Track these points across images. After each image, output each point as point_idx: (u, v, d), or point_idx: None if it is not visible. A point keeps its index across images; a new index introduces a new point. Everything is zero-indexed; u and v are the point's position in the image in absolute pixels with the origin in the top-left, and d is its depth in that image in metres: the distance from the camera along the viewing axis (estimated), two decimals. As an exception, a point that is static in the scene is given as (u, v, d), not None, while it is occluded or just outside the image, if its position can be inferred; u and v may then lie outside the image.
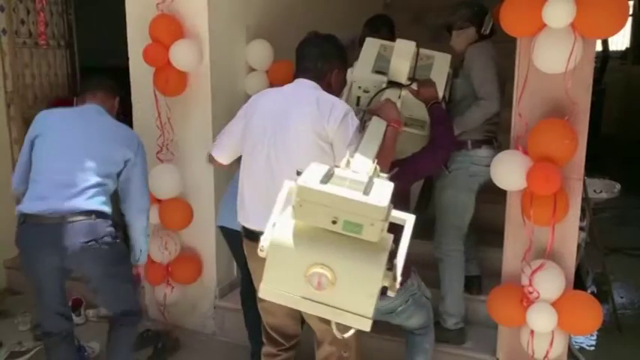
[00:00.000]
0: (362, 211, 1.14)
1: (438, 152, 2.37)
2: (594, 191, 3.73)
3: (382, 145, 2.01)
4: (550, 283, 2.34)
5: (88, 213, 2.34)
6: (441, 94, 2.55)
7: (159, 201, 3.15)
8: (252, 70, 3.42)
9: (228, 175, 3.17)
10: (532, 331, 2.37)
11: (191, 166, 3.25)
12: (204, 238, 3.33)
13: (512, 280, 2.51)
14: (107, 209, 2.41)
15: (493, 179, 2.42)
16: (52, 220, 2.31)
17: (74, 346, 2.73)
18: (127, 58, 3.31)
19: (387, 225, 1.18)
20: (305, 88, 2.18)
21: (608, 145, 6.60)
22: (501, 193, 2.55)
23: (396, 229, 1.27)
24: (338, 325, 1.28)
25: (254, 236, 2.14)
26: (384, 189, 1.22)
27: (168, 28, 2.97)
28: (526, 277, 2.36)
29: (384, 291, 1.22)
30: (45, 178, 2.39)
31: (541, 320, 2.32)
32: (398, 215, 1.26)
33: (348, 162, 1.47)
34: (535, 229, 2.37)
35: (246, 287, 2.78)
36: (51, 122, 2.49)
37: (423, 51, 2.67)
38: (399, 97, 2.46)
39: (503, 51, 2.77)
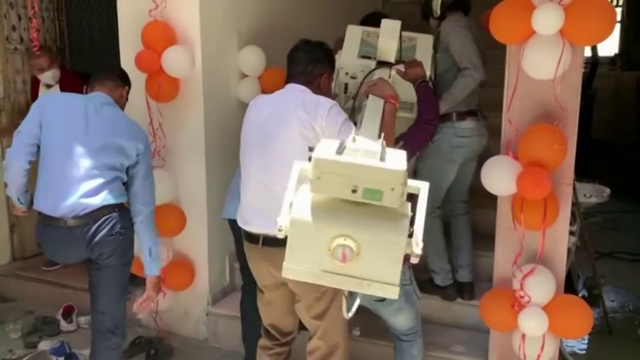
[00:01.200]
0: (381, 176, 1.12)
1: (426, 128, 2.42)
2: (584, 196, 3.76)
3: (382, 121, 2.03)
4: (541, 287, 2.36)
5: (111, 208, 2.35)
6: (428, 71, 2.61)
7: (151, 207, 3.14)
8: (244, 76, 3.43)
9: (220, 181, 3.18)
10: (523, 335, 2.38)
11: (183, 172, 3.25)
12: (196, 244, 3.33)
13: (503, 285, 2.52)
14: (122, 200, 2.42)
15: (484, 184, 2.44)
16: (71, 222, 2.30)
17: None
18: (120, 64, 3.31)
19: (406, 190, 1.16)
20: (293, 94, 2.23)
21: (598, 149, 6.66)
22: (492, 199, 2.57)
23: (409, 199, 1.25)
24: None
25: (254, 239, 2.22)
26: (399, 155, 1.20)
27: (161, 35, 2.97)
28: (517, 282, 2.37)
29: (407, 259, 1.20)
30: (56, 175, 2.32)
31: (532, 324, 2.33)
32: (412, 184, 1.25)
33: (354, 139, 1.39)
34: (526, 234, 2.39)
35: (249, 299, 2.71)
36: (57, 112, 2.38)
37: (406, 33, 2.74)
38: (389, 76, 2.51)
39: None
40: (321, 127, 2.10)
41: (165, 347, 3.26)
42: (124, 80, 2.63)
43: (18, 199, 2.42)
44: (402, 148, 2.10)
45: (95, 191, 2.31)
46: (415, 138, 2.37)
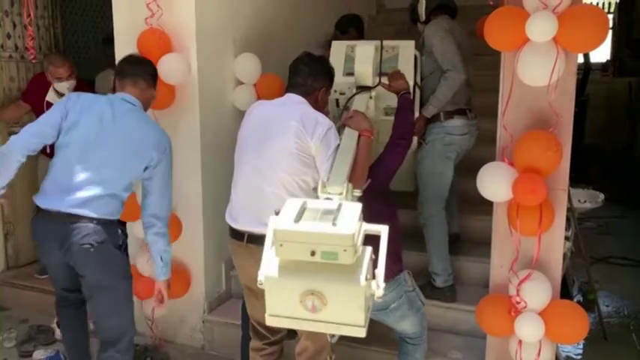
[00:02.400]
0: (333, 241, 1.30)
1: (400, 144, 2.51)
2: (579, 201, 3.78)
3: (357, 154, 2.20)
4: (537, 292, 2.37)
5: (92, 218, 2.33)
6: (411, 80, 2.73)
7: (147, 214, 3.13)
8: (239, 83, 3.43)
9: (216, 189, 3.18)
10: (520, 341, 2.39)
11: (179, 179, 3.24)
12: (192, 251, 3.32)
13: (500, 291, 2.53)
14: (116, 217, 2.41)
15: (479, 191, 2.45)
16: (60, 218, 2.30)
17: (85, 316, 2.73)
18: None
19: (360, 246, 1.34)
20: (293, 104, 2.34)
21: (591, 155, 6.70)
22: (488, 205, 2.58)
23: (376, 237, 1.43)
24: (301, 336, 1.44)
25: (240, 236, 2.33)
26: (351, 213, 1.37)
27: (157, 42, 2.98)
28: (514, 287, 2.38)
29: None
30: (63, 179, 2.34)
31: (529, 330, 2.34)
32: (372, 228, 1.43)
33: (324, 185, 1.72)
34: (522, 240, 2.39)
35: None
36: (78, 114, 2.38)
37: (387, 42, 2.89)
38: (371, 97, 2.63)
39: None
40: (316, 145, 2.21)
41: (161, 355, 3.25)
42: (155, 78, 2.63)
43: None
44: (378, 173, 2.35)
45: (82, 202, 2.31)
46: (391, 156, 2.48)
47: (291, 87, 2.40)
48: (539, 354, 2.37)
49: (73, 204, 2.30)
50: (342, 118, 2.49)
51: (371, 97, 2.64)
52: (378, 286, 1.36)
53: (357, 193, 1.72)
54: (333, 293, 1.35)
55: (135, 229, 3.12)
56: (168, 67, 2.97)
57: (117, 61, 3.24)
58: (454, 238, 3.35)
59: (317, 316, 1.36)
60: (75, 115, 2.38)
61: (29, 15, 2.84)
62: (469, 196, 3.13)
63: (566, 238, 3.09)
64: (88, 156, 2.35)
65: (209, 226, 3.27)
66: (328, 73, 2.44)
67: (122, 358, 2.52)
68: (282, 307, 1.40)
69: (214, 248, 3.35)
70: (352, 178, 2.07)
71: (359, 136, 2.28)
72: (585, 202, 3.93)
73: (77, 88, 3.70)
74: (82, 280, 2.44)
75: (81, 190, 2.31)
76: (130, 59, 2.62)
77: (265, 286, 1.40)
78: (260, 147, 2.28)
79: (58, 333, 3.46)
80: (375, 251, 1.41)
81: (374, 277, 1.38)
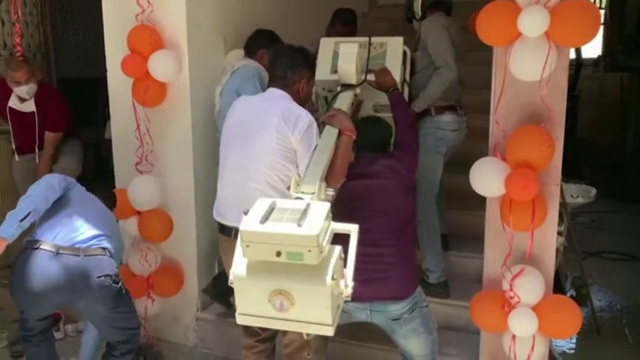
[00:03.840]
0: (298, 242, 1.32)
1: (412, 130, 2.55)
2: (571, 196, 3.79)
3: (337, 153, 2.20)
4: (530, 287, 2.36)
5: (103, 249, 2.44)
6: (398, 77, 2.73)
7: (138, 213, 3.12)
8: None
9: (208, 186, 3.16)
10: (514, 336, 2.39)
11: (171, 176, 3.23)
12: (185, 249, 3.31)
13: (493, 286, 2.53)
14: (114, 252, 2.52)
15: (472, 186, 2.45)
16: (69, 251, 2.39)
17: (53, 345, 2.74)
18: (105, 69, 3.29)
19: (326, 246, 1.35)
20: (275, 98, 2.35)
21: (583, 150, 6.73)
22: (481, 200, 2.58)
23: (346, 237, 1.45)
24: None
25: (228, 231, 2.36)
26: (318, 213, 1.38)
27: (147, 39, 2.95)
28: (507, 283, 2.38)
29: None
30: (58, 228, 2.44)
31: (522, 325, 2.34)
32: (341, 227, 1.46)
33: (298, 184, 1.74)
34: (515, 235, 2.39)
35: None
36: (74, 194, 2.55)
37: (376, 39, 2.89)
38: (356, 95, 2.63)
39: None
40: (296, 140, 2.23)
41: (154, 353, 3.24)
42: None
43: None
44: (408, 162, 2.41)
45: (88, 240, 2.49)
46: (412, 141, 2.51)
47: (271, 81, 2.42)
48: (532, 349, 2.37)
49: None
50: (321, 117, 2.47)
51: (356, 95, 2.65)
52: (347, 285, 1.38)
53: (330, 192, 1.75)
54: (300, 293, 1.37)
55: (127, 227, 3.10)
56: (159, 64, 2.95)
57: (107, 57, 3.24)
58: (442, 239, 3.30)
59: (285, 315, 1.39)
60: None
61: (16, 12, 2.81)
62: (461, 192, 3.13)
63: (559, 233, 3.11)
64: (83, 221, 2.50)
65: (201, 223, 3.26)
66: (308, 64, 2.44)
67: (134, 349, 2.67)
68: (252, 306, 1.42)
69: (207, 246, 3.33)
70: (330, 176, 2.10)
71: (340, 135, 2.27)
72: (578, 197, 3.94)
73: (42, 94, 3.62)
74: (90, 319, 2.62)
75: None
76: None
77: (235, 286, 1.42)
78: (243, 143, 2.30)
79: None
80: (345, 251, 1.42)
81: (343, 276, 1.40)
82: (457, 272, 3.32)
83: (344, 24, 3.77)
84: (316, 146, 2.21)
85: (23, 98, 3.58)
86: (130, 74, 2.97)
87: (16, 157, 3.72)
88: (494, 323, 2.46)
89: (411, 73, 3.21)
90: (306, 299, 1.37)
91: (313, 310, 1.38)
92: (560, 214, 2.92)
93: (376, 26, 5.19)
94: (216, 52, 3.36)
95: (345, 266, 1.42)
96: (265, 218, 1.38)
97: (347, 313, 2.28)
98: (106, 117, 3.52)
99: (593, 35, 2.16)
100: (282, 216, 1.38)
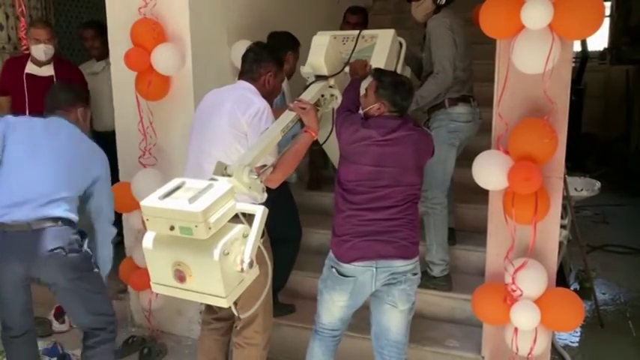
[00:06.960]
0: (186, 217, 1.41)
1: (339, 111, 2.49)
2: (575, 189, 3.78)
3: (293, 147, 2.34)
4: (533, 280, 2.37)
5: (54, 219, 2.31)
6: (382, 65, 2.69)
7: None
8: (236, 71, 3.40)
9: (212, 179, 3.17)
10: (516, 329, 2.40)
11: (174, 170, 3.22)
12: (188, 242, 3.31)
13: (495, 279, 2.53)
14: (74, 217, 2.39)
15: (475, 179, 2.45)
16: (16, 227, 2.27)
17: (36, 347, 2.68)
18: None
19: (215, 223, 1.43)
20: (237, 89, 2.48)
21: (588, 143, 6.70)
22: (484, 193, 2.58)
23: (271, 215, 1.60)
24: (237, 307, 1.60)
25: None
26: (215, 193, 1.47)
27: (150, 32, 2.95)
28: (509, 276, 2.38)
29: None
30: (10, 188, 2.33)
31: (524, 318, 2.34)
32: (246, 207, 1.59)
33: (226, 167, 1.92)
34: (517, 228, 2.40)
35: None
36: (18, 135, 2.40)
37: (367, 32, 2.92)
38: (331, 86, 2.69)
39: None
40: (247, 123, 2.32)
41: (158, 346, 3.25)
42: (78, 100, 2.65)
43: None
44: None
45: (44, 204, 2.37)
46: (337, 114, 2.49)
47: (240, 74, 2.53)
48: (534, 342, 2.37)
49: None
50: (292, 104, 2.51)
51: (331, 86, 2.69)
52: (243, 261, 1.49)
53: (254, 176, 1.95)
54: (194, 265, 1.47)
55: (131, 220, 3.12)
56: (162, 58, 2.95)
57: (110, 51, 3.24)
58: (450, 233, 3.28)
59: (185, 285, 1.49)
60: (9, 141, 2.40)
61: (21, 6, 2.82)
62: (465, 185, 3.13)
63: (563, 227, 3.11)
64: (35, 165, 2.38)
65: (205, 217, 3.26)
66: (273, 59, 2.53)
67: (113, 337, 2.58)
68: (160, 276, 1.53)
69: (210, 239, 3.33)
70: (278, 166, 2.23)
71: (304, 131, 2.38)
72: (582, 190, 3.94)
73: (61, 64, 3.63)
74: (54, 292, 2.46)
75: None
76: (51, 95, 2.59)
77: (145, 257, 1.54)
78: (202, 128, 2.43)
79: (55, 325, 3.47)
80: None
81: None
82: (460, 265, 3.32)
83: (353, 12, 3.82)
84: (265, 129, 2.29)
85: (41, 61, 3.54)
86: (133, 67, 2.98)
87: None
88: (497, 316, 2.46)
89: (418, 76, 3.22)
90: (200, 271, 1.47)
91: (208, 283, 1.48)
92: (564, 207, 2.92)
93: (380, 19, 5.17)
94: (220, 45, 3.36)
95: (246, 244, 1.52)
96: (166, 195, 1.48)
97: (353, 277, 2.29)
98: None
99: (597, 28, 2.15)
100: (183, 194, 1.48)
